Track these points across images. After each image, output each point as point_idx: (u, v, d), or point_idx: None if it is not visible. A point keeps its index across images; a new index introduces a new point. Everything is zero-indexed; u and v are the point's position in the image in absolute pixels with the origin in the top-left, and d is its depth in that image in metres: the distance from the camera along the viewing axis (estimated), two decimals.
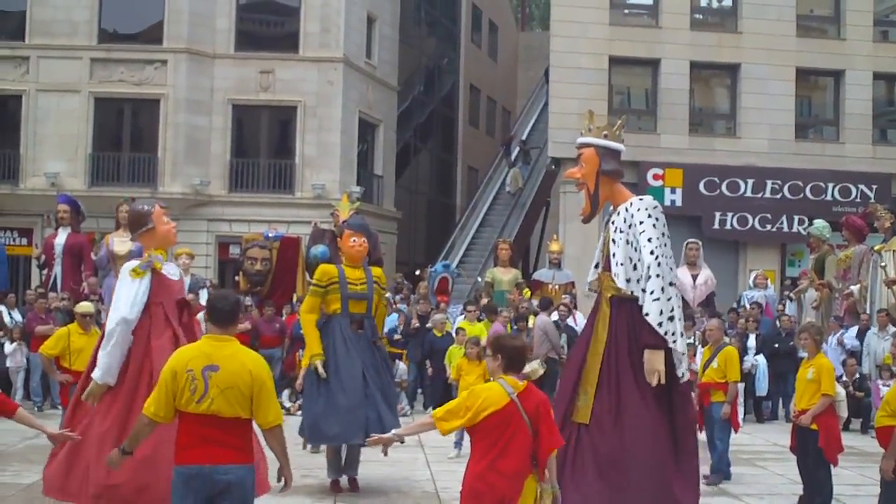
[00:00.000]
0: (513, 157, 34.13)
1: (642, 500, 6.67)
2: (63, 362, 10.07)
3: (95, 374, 6.64)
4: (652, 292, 6.81)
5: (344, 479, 9.56)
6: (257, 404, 5.10)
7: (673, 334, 6.81)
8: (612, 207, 7.39)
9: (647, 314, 6.81)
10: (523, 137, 34.92)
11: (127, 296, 6.76)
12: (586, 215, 7.43)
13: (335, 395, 9.00)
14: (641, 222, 6.94)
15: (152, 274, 6.84)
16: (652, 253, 6.84)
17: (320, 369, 9.07)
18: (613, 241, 7.08)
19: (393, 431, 5.73)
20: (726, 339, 11.40)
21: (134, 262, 6.93)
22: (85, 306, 10.82)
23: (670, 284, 6.93)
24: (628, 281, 6.95)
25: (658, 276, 6.81)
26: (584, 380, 7.04)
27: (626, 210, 7.06)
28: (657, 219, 6.98)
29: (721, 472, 10.48)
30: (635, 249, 6.95)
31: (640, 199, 7.09)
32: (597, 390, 6.91)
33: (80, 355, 9.61)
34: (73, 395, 7.08)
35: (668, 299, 6.83)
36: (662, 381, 6.77)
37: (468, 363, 11.40)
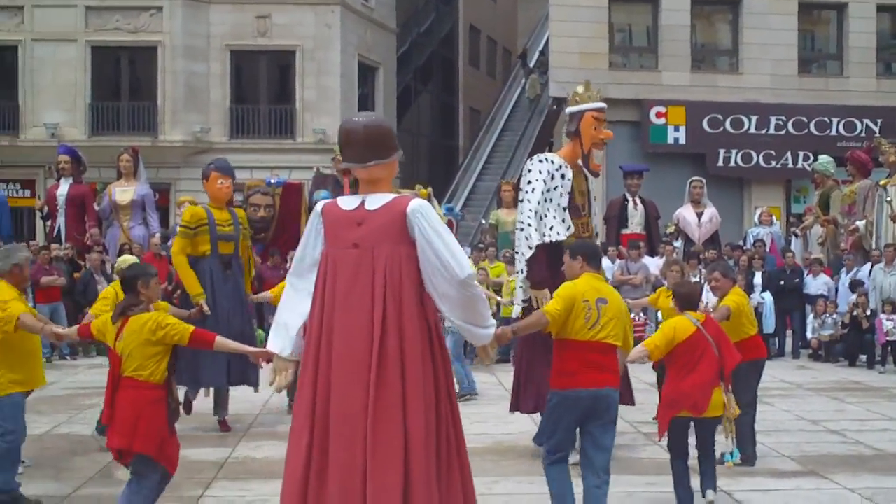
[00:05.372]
0: (531, 65, 34.32)
1: None
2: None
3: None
4: None
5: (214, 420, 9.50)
6: (626, 334, 5.99)
7: None
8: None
9: None
10: (540, 48, 34.94)
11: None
12: None
13: None
14: None
15: None
16: None
17: (205, 307, 9.08)
18: None
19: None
20: None
21: (429, 205, 4.75)
22: (131, 260, 8.84)
23: None
24: None
25: None
26: None
27: None
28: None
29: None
30: None
31: None
32: None
33: None
34: None
35: None
36: None
37: None
